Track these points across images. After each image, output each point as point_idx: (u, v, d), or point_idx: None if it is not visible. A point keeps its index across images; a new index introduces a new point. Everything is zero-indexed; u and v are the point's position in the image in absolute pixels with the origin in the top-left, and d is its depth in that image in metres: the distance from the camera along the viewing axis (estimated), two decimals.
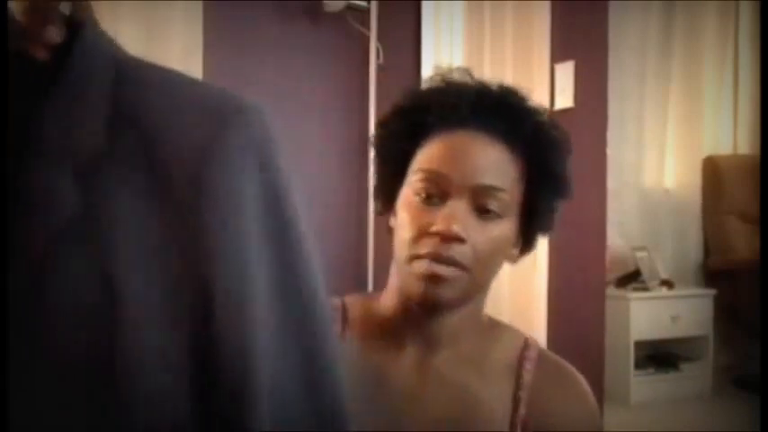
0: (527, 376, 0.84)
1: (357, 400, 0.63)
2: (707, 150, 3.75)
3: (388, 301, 0.86)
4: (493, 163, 0.81)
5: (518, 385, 0.84)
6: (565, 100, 2.68)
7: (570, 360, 0.87)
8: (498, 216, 0.81)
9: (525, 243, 0.88)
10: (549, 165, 0.84)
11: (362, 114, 2.93)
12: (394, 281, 0.85)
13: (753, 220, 3.41)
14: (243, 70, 2.89)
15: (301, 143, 2.93)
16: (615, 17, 2.90)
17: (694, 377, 3.24)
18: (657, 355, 3.28)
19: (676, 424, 2.83)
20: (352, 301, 0.91)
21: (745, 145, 3.82)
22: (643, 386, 3.11)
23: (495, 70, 3.01)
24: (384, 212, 0.88)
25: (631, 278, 3.25)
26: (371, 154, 0.91)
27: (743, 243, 3.51)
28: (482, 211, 0.80)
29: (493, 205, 0.80)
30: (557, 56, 2.75)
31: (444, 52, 3.14)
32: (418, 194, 0.81)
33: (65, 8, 0.49)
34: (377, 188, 0.90)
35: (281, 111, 2.91)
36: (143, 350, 0.43)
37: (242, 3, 2.90)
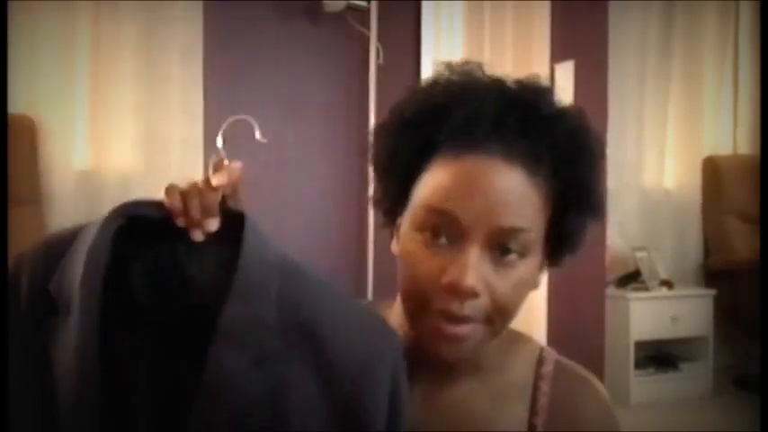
0: (543, 400, 0.77)
1: None
2: (707, 150, 3.75)
3: (396, 318, 0.76)
4: (513, 198, 0.67)
5: (533, 412, 0.76)
6: (564, 100, 2.68)
7: (570, 360, 0.85)
8: (520, 257, 0.69)
9: (551, 263, 0.78)
10: (580, 181, 0.72)
11: (362, 114, 2.93)
12: (402, 311, 0.74)
13: (753, 220, 3.41)
14: (243, 70, 2.89)
15: (301, 143, 2.93)
16: (615, 17, 2.90)
17: (694, 377, 3.24)
18: (657, 356, 3.28)
19: (676, 424, 2.82)
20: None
21: (745, 145, 3.82)
22: (643, 386, 3.11)
23: (496, 70, 3.01)
24: (387, 227, 0.78)
25: (631, 278, 3.25)
26: (370, 160, 0.78)
27: (743, 243, 3.51)
28: (501, 255, 0.68)
29: (514, 247, 0.68)
30: (557, 56, 2.75)
31: (444, 52, 3.14)
32: (424, 229, 0.69)
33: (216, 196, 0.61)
34: (377, 202, 0.78)
35: (282, 111, 2.91)
36: None
37: (242, 3, 2.90)
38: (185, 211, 0.60)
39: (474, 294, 0.66)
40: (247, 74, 2.90)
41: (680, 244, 3.67)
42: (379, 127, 0.77)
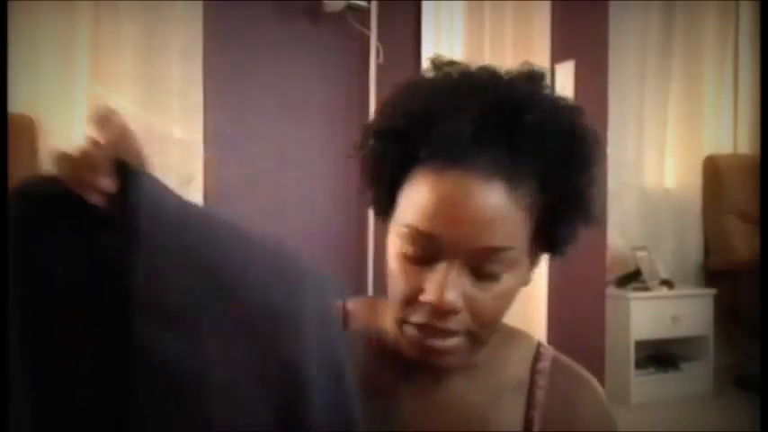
0: (539, 394, 0.77)
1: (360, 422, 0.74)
2: (707, 150, 3.75)
3: (395, 334, 0.77)
4: (493, 218, 0.66)
5: (530, 405, 0.77)
6: (562, 92, 2.68)
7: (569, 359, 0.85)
8: (502, 273, 0.68)
9: (545, 254, 0.76)
10: (571, 192, 0.71)
11: (362, 114, 2.93)
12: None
13: (753, 220, 3.41)
14: (243, 70, 2.89)
15: (302, 143, 2.93)
16: (615, 17, 2.90)
17: (695, 377, 3.24)
18: (658, 355, 3.28)
19: (677, 424, 2.82)
20: (356, 308, 0.82)
21: (745, 145, 3.82)
22: (643, 386, 3.11)
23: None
24: (385, 222, 0.78)
25: (631, 278, 3.25)
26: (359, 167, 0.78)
27: (743, 243, 3.51)
28: (482, 272, 0.68)
29: (495, 267, 0.67)
30: (557, 56, 2.75)
31: (444, 52, 3.13)
32: (405, 248, 0.69)
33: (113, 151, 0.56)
34: (371, 202, 0.79)
35: (282, 111, 2.91)
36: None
37: (242, 3, 2.90)
38: (77, 176, 0.55)
39: (454, 311, 0.67)
40: (247, 74, 2.90)
41: (680, 244, 3.67)
42: (364, 132, 0.75)
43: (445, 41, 3.16)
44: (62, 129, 2.77)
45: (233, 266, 0.57)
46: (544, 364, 0.79)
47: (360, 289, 2.83)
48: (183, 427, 0.53)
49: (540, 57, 2.77)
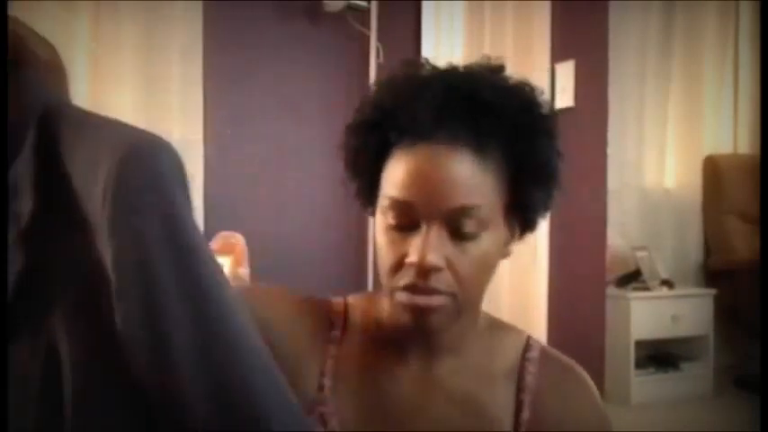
0: (529, 378, 0.82)
1: (357, 408, 0.79)
2: (707, 150, 3.75)
3: (384, 306, 0.83)
4: (461, 180, 0.73)
5: (520, 389, 0.81)
6: (565, 99, 2.68)
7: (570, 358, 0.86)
8: (478, 232, 0.74)
9: (523, 230, 0.82)
10: (531, 157, 0.77)
11: None
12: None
13: (753, 220, 3.41)
14: (243, 70, 2.89)
15: (301, 143, 2.93)
16: (615, 17, 2.90)
17: (695, 377, 3.23)
18: (658, 355, 3.28)
19: (677, 424, 2.82)
20: (356, 302, 0.88)
21: (745, 145, 3.82)
22: (643, 386, 3.10)
23: None
24: (369, 212, 0.84)
25: (631, 278, 3.25)
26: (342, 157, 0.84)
27: (743, 243, 3.51)
28: (459, 231, 0.73)
29: (469, 225, 0.73)
30: (557, 56, 2.75)
31: (444, 52, 3.14)
32: (387, 219, 0.76)
33: None
34: (355, 197, 0.86)
35: (282, 110, 2.91)
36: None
37: (242, 3, 2.91)
38: None
39: (436, 269, 0.72)
40: (247, 74, 2.90)
41: (680, 244, 3.67)
42: (345, 131, 0.82)
43: (445, 41, 3.16)
44: None
45: (70, 147, 0.53)
46: (533, 354, 0.84)
47: (360, 288, 2.83)
48: None
49: (540, 57, 2.78)
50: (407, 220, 0.74)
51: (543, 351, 0.85)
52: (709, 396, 3.19)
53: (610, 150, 2.68)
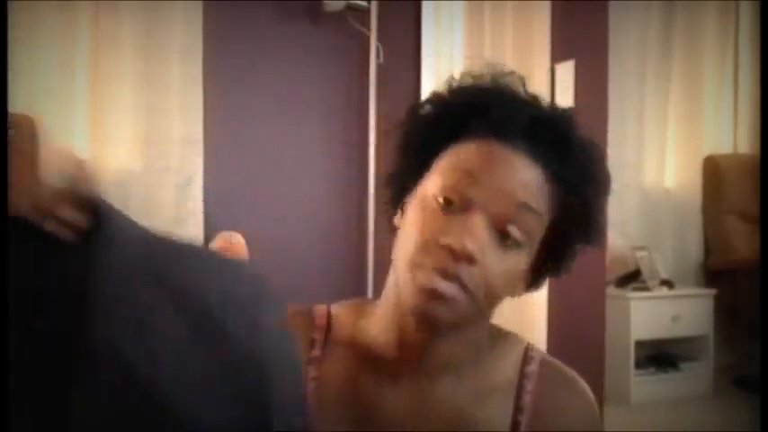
0: (527, 397, 0.77)
1: (341, 427, 0.75)
2: (707, 150, 3.75)
3: (381, 315, 0.77)
4: (530, 183, 0.71)
5: (517, 408, 0.77)
6: (565, 100, 2.68)
7: (570, 360, 0.84)
8: (519, 245, 0.71)
9: (534, 281, 0.79)
10: (586, 206, 0.75)
11: (362, 114, 2.93)
12: (390, 293, 0.76)
13: (753, 220, 3.41)
14: (243, 70, 2.89)
15: (301, 143, 2.92)
16: (615, 17, 2.90)
17: (694, 377, 3.24)
18: (658, 355, 3.28)
19: (677, 424, 2.82)
20: (341, 311, 0.82)
21: (745, 145, 3.82)
22: (643, 386, 3.11)
23: None
24: (392, 207, 0.79)
25: (631, 278, 3.25)
26: (398, 140, 0.79)
27: (743, 243, 3.51)
28: (504, 235, 0.70)
29: (517, 232, 0.70)
30: (557, 56, 2.75)
31: (444, 52, 3.14)
32: (437, 196, 0.70)
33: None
34: (391, 177, 0.80)
35: (281, 111, 2.91)
36: None
37: (242, 3, 2.90)
38: (42, 211, 0.56)
39: (471, 260, 0.67)
40: (247, 74, 2.89)
41: (680, 244, 3.67)
42: (414, 108, 0.79)
43: (445, 41, 3.16)
44: (62, 129, 2.77)
45: (195, 287, 0.60)
46: (533, 368, 0.79)
47: (360, 288, 2.83)
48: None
49: (540, 57, 2.78)
50: (460, 198, 0.70)
51: (543, 364, 0.80)
52: (708, 396, 3.19)
53: (610, 150, 2.67)
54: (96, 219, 0.57)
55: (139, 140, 2.88)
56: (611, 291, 3.09)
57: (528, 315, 2.80)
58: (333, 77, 2.99)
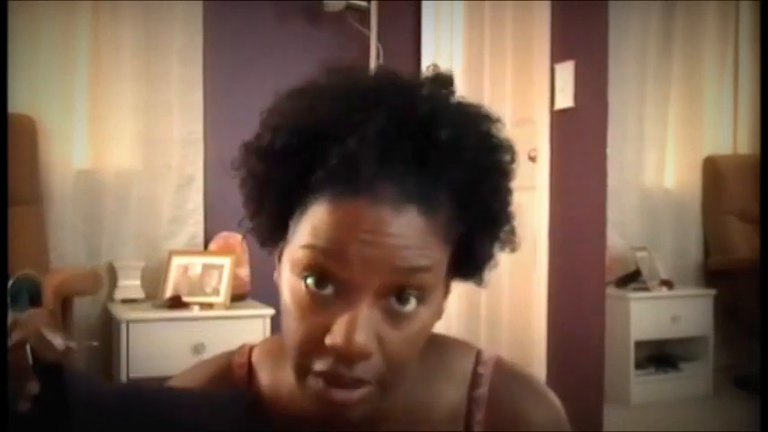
0: (477, 428, 0.69)
1: None
2: (707, 150, 3.75)
3: (295, 387, 0.66)
4: (409, 242, 0.57)
5: None
6: (565, 100, 2.67)
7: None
8: (420, 302, 0.60)
9: (460, 279, 0.68)
10: (490, 204, 0.64)
11: None
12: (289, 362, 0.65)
13: (753, 220, 3.41)
14: (243, 70, 2.89)
15: None
16: (615, 17, 2.90)
17: (694, 377, 3.23)
18: (658, 356, 3.28)
19: (677, 424, 2.82)
20: (265, 353, 0.74)
21: (745, 145, 3.82)
22: (643, 386, 3.10)
23: (495, 70, 3.01)
24: (269, 250, 0.69)
25: (631, 278, 3.25)
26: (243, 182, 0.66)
27: (743, 243, 3.51)
28: (398, 303, 0.59)
29: (413, 292, 0.59)
30: (557, 56, 2.74)
31: (444, 52, 3.14)
32: (306, 277, 0.59)
33: (28, 356, 0.57)
34: (250, 232, 0.68)
35: None
36: None
37: (242, 3, 2.91)
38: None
39: (364, 356, 0.57)
40: (247, 74, 2.90)
41: (680, 244, 3.67)
42: (245, 150, 0.65)
43: (445, 41, 3.16)
44: (62, 129, 2.77)
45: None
46: (482, 390, 0.70)
47: None
48: None
49: (540, 57, 2.77)
50: (332, 283, 0.58)
51: (493, 386, 0.70)
52: (708, 396, 3.18)
53: (610, 150, 2.68)
54: (59, 387, 0.58)
55: (140, 140, 2.88)
56: (611, 291, 3.09)
57: (527, 315, 2.80)
58: None
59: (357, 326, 0.56)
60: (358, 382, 0.58)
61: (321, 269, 0.58)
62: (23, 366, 0.56)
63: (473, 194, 0.61)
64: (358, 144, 0.57)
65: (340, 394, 0.58)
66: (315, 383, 0.59)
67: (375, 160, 0.57)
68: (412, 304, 0.59)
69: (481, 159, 0.61)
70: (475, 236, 0.64)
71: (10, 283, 1.61)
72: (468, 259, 0.65)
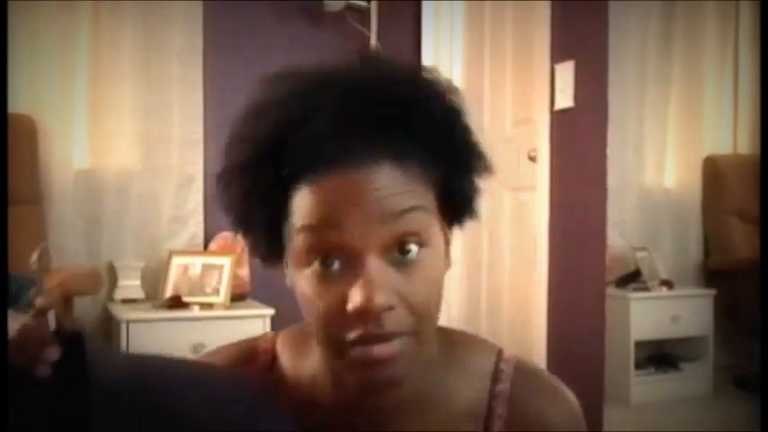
0: (498, 423, 0.70)
1: None
2: (707, 150, 3.75)
3: (333, 367, 0.70)
4: (391, 199, 0.61)
5: None
6: (565, 100, 2.68)
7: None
8: (421, 246, 0.63)
9: (460, 222, 0.71)
10: (456, 144, 0.67)
11: None
12: (321, 347, 0.68)
13: (753, 220, 3.41)
14: (243, 70, 2.89)
15: None
16: (615, 18, 2.90)
17: (694, 377, 3.23)
18: (657, 355, 3.28)
19: (676, 424, 2.82)
20: (289, 341, 0.77)
21: (745, 145, 3.82)
22: (643, 386, 3.11)
23: (495, 70, 3.01)
24: (272, 266, 0.70)
25: (631, 278, 3.25)
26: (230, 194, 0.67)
27: (743, 243, 3.51)
28: (402, 253, 0.62)
29: (411, 236, 0.62)
30: (557, 56, 2.75)
31: (444, 52, 3.14)
32: (312, 260, 0.62)
33: (51, 322, 0.60)
34: (254, 251, 0.71)
35: None
36: None
37: (242, 3, 2.91)
38: (22, 352, 0.58)
39: (388, 308, 0.60)
40: (247, 74, 2.90)
41: (680, 244, 3.67)
42: (220, 177, 0.68)
43: (445, 41, 3.16)
44: (62, 129, 2.77)
45: (189, 407, 0.62)
46: (503, 386, 0.72)
47: None
48: None
49: (540, 57, 2.77)
50: (336, 257, 0.61)
51: (515, 381, 0.72)
52: (708, 396, 3.18)
53: (610, 150, 2.68)
54: (79, 356, 0.59)
55: (139, 140, 2.88)
56: (611, 291, 3.09)
57: (528, 315, 2.80)
58: None
59: (371, 284, 0.59)
60: (391, 336, 0.61)
61: (321, 246, 0.61)
62: (46, 331, 0.59)
63: (438, 137, 0.65)
64: (317, 127, 0.61)
65: (380, 349, 0.60)
66: (353, 351, 0.61)
67: (336, 137, 0.61)
68: (414, 250, 0.62)
69: (433, 106, 0.65)
70: (453, 175, 0.67)
71: (10, 282, 1.62)
72: (456, 198, 0.68)
